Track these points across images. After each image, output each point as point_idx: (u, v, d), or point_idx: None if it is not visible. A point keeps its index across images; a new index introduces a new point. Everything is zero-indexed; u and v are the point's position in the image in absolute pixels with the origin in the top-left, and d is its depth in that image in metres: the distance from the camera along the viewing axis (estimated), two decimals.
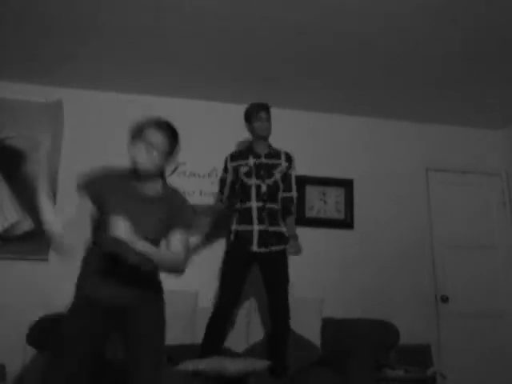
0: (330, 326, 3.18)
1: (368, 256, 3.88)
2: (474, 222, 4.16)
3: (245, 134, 3.35)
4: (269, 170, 2.92)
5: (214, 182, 3.70)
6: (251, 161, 2.93)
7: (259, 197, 2.86)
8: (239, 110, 3.18)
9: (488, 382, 3.80)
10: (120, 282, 1.88)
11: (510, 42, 2.97)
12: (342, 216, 3.92)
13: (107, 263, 1.86)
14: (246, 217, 2.86)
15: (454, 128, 4.34)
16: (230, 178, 3.02)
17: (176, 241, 1.95)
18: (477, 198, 4.23)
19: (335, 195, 3.95)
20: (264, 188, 2.87)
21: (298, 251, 2.97)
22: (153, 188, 1.95)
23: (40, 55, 3.23)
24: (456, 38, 2.95)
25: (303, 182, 3.87)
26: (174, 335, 2.99)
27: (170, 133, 1.92)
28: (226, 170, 3.05)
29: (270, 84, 3.61)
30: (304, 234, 3.66)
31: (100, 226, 1.90)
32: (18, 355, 3.15)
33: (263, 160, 2.94)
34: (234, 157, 3.02)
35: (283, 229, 2.91)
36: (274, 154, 3.00)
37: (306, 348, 2.98)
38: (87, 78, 3.57)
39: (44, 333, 2.54)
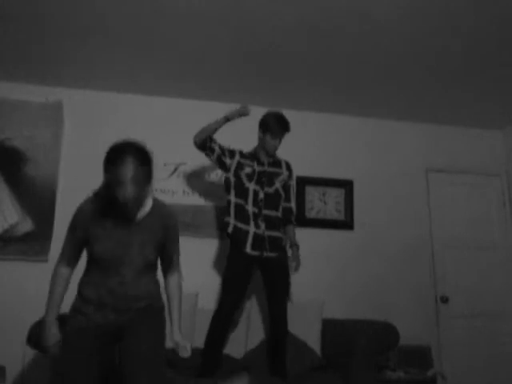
0: (330, 327, 3.18)
1: (368, 256, 3.88)
2: (474, 222, 4.17)
3: (245, 134, 3.35)
4: (271, 178, 2.93)
5: (215, 181, 3.71)
6: (255, 166, 2.93)
7: (255, 203, 2.85)
8: None
9: (488, 382, 3.81)
10: (115, 309, 1.91)
11: (510, 41, 2.97)
12: (341, 217, 3.92)
13: (102, 296, 1.90)
14: (243, 216, 2.84)
15: (454, 128, 4.34)
16: (228, 160, 2.93)
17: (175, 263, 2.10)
18: (477, 198, 4.23)
19: (335, 196, 3.95)
20: (261, 195, 2.87)
21: (297, 266, 2.90)
22: (140, 211, 1.94)
23: (40, 55, 3.22)
24: (456, 38, 2.95)
25: (303, 182, 3.87)
26: None
27: (138, 158, 1.77)
28: (232, 153, 2.95)
29: (271, 84, 3.61)
30: (304, 234, 3.68)
31: (92, 260, 1.93)
32: (18, 356, 3.15)
33: (266, 168, 2.95)
34: (242, 154, 2.99)
35: (281, 235, 2.91)
36: (277, 162, 3.01)
37: (306, 353, 2.97)
38: (87, 78, 3.56)
39: None
